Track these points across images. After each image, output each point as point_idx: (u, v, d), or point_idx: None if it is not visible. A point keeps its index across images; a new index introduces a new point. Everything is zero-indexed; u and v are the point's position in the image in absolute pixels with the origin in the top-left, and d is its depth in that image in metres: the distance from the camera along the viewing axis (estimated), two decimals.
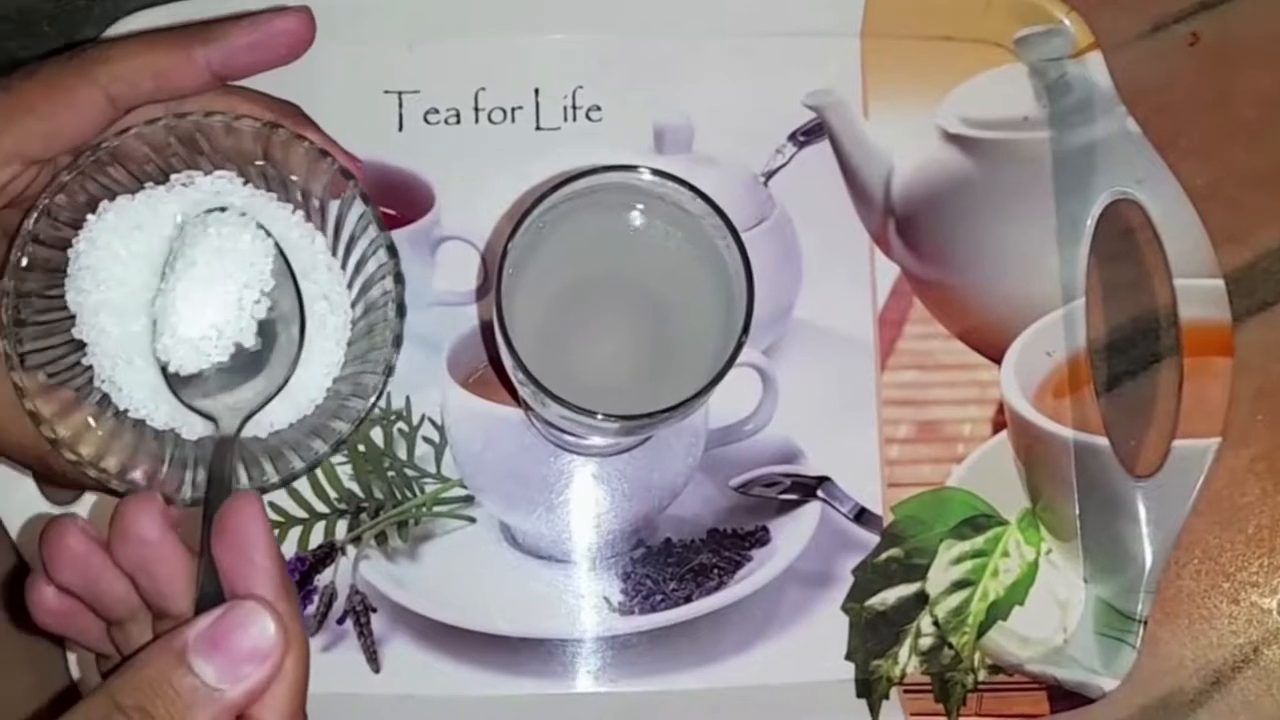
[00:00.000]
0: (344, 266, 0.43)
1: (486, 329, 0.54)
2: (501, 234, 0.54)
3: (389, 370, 0.40)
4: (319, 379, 0.42)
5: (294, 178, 0.42)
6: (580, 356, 0.41)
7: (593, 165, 0.39)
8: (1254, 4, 0.58)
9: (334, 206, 0.42)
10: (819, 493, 0.53)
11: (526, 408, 0.52)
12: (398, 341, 0.40)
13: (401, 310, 0.40)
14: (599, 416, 0.38)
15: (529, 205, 0.38)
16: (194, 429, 0.41)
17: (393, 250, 0.41)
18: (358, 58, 0.55)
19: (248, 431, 0.41)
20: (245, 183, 0.42)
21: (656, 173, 0.39)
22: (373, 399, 0.40)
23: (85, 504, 0.51)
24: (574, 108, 0.55)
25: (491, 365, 0.53)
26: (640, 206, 0.41)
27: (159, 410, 0.41)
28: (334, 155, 0.41)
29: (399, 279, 0.40)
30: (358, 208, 0.41)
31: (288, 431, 0.42)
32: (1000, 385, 0.54)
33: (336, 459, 0.53)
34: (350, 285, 0.43)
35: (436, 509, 0.53)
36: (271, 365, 0.41)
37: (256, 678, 0.33)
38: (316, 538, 0.52)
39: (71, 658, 0.50)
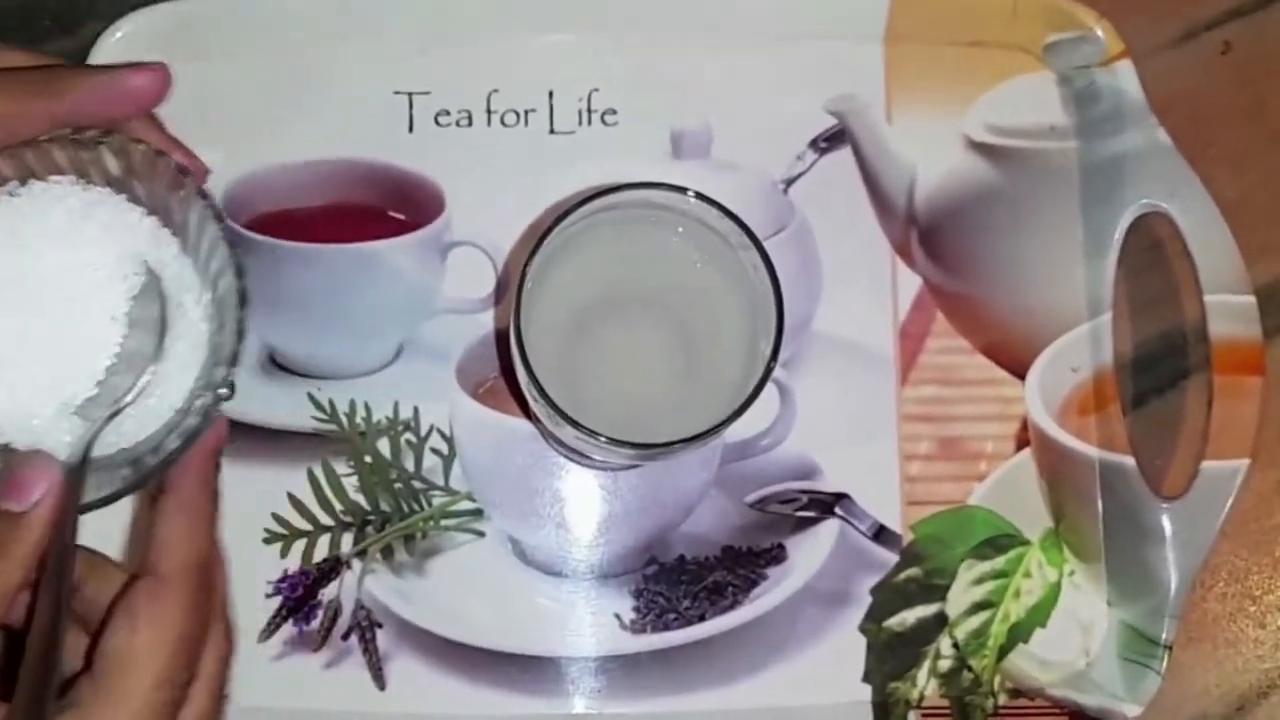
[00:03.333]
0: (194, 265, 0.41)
1: (499, 337, 0.52)
2: (515, 241, 0.52)
3: (234, 360, 0.39)
4: (181, 382, 0.40)
5: (138, 180, 0.41)
6: (597, 376, 0.40)
7: (618, 182, 0.38)
8: None
9: (178, 205, 0.40)
10: (837, 510, 0.52)
11: (538, 420, 0.51)
12: (241, 334, 0.38)
13: (244, 300, 0.38)
14: (615, 443, 0.36)
15: (553, 220, 0.36)
16: (61, 448, 0.39)
17: (232, 243, 0.39)
18: (367, 57, 0.53)
19: (110, 445, 0.40)
20: (89, 183, 0.40)
21: (679, 189, 0.38)
22: (221, 392, 0.38)
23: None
24: (589, 111, 0.54)
25: (504, 376, 0.52)
26: (664, 223, 0.40)
27: (22, 432, 0.39)
28: (171, 153, 0.39)
29: (239, 272, 0.38)
30: (197, 205, 0.39)
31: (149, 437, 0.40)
32: (1024, 401, 0.53)
33: (342, 470, 0.51)
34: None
35: (444, 523, 0.52)
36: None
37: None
38: (321, 551, 0.51)
39: None
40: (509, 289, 0.52)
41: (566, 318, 0.39)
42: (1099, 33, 0.52)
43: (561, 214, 0.36)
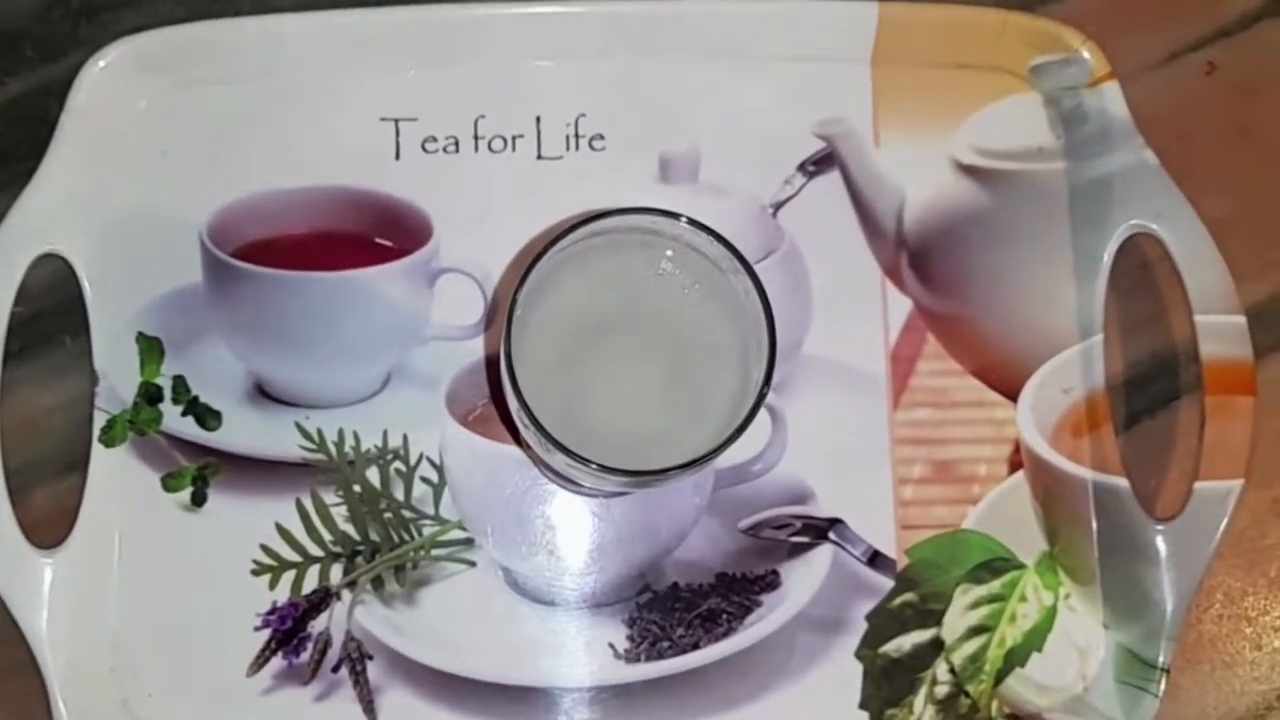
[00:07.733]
0: None
1: (489, 364, 0.52)
2: (503, 268, 0.52)
3: None
4: None
5: None
6: (589, 403, 0.39)
7: (607, 208, 0.37)
8: (1271, 31, 0.57)
9: None
10: (830, 535, 0.52)
11: (529, 447, 0.50)
12: None
13: None
14: (606, 470, 0.36)
15: (543, 246, 0.36)
16: None
17: None
18: (353, 84, 0.53)
19: None
20: None
21: (670, 214, 0.37)
22: None
23: (68, 549, 0.49)
24: (577, 136, 0.54)
25: (493, 403, 0.51)
26: (654, 247, 0.40)
27: None
28: None
29: None
30: None
31: None
32: (1017, 424, 0.52)
33: (331, 500, 0.51)
34: None
35: (435, 552, 0.51)
36: None
37: None
38: (310, 582, 0.50)
39: (59, 708, 0.48)
40: (499, 315, 0.52)
41: (557, 344, 0.39)
42: (1085, 54, 0.53)
43: (552, 240, 0.36)
